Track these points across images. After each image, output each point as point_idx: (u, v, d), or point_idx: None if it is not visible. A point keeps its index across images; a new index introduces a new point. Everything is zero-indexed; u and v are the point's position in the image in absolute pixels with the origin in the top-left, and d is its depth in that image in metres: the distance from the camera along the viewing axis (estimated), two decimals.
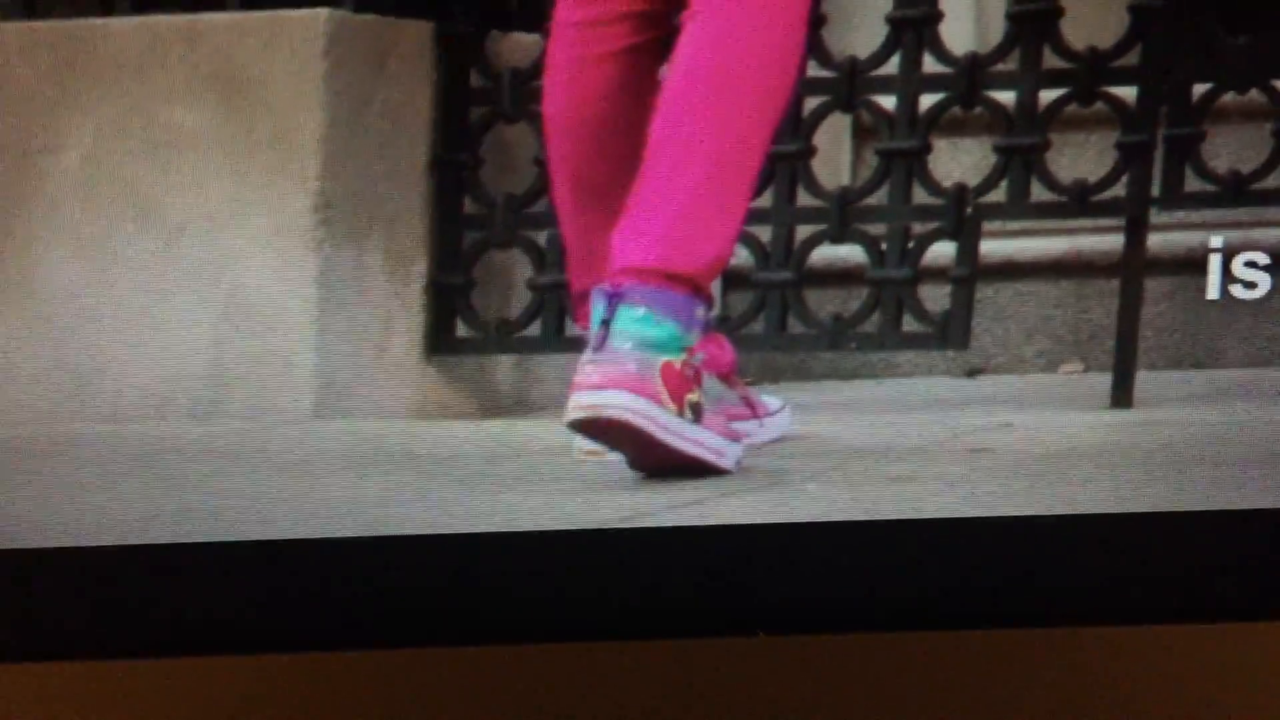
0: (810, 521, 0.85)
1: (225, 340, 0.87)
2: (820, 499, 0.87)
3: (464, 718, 0.86)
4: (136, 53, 0.86)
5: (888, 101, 0.95)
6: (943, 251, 0.96)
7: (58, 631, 0.84)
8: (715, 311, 0.93)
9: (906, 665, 0.86)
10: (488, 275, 0.93)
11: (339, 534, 0.85)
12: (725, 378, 0.93)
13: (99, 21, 0.86)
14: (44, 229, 0.86)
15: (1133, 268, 0.94)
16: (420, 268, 0.91)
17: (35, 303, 0.87)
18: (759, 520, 0.85)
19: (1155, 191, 0.95)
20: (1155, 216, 0.95)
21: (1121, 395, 0.95)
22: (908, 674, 0.86)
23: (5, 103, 0.84)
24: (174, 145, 0.86)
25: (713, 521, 0.85)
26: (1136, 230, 0.95)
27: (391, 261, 0.90)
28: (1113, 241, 0.95)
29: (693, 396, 0.87)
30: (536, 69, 0.93)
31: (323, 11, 0.88)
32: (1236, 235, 0.90)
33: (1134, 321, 0.94)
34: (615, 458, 0.88)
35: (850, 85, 0.95)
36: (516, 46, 0.93)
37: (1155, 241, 0.95)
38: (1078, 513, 0.85)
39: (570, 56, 0.91)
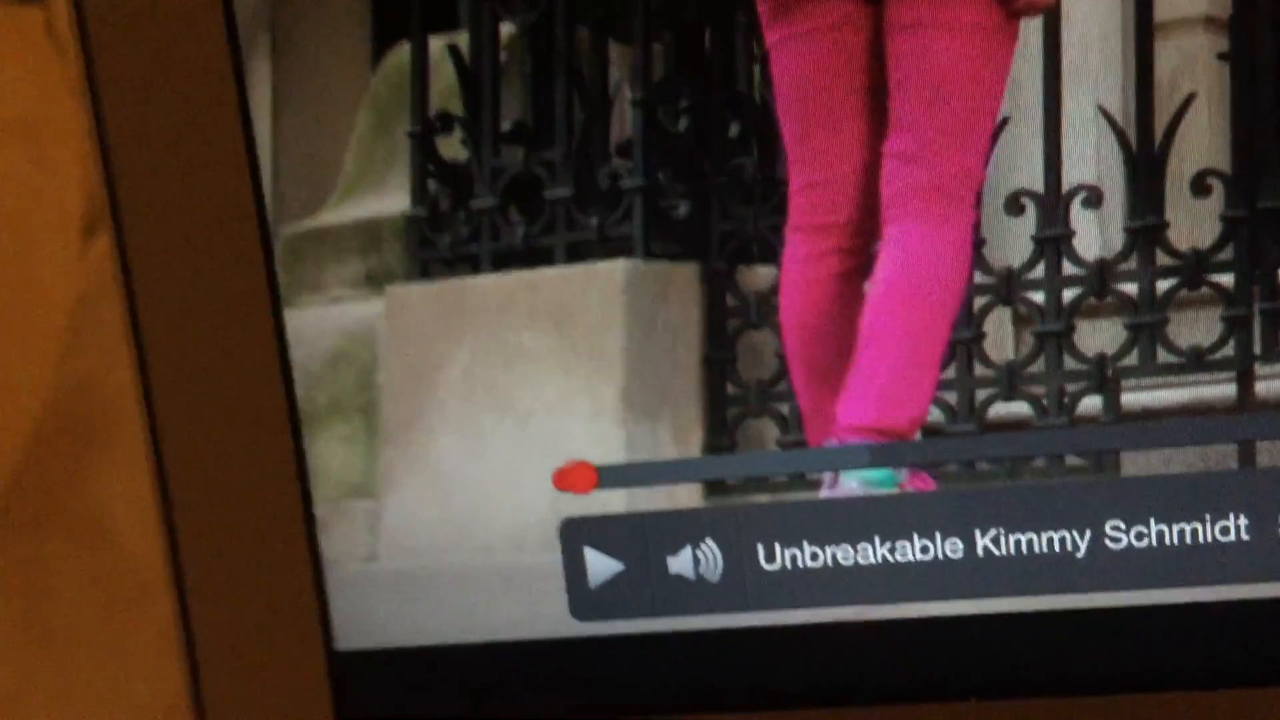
0: (1001, 612, 0.96)
1: (561, 494, 0.99)
2: (1012, 593, 0.95)
3: None
4: (496, 298, 1.03)
5: (1038, 297, 1.06)
6: (1091, 404, 1.05)
7: (457, 706, 0.99)
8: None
9: None
10: (746, 439, 1.06)
11: (661, 630, 0.98)
12: None
13: (469, 279, 1.04)
14: (436, 421, 1.02)
15: (1245, 409, 1.03)
16: (698, 437, 1.05)
17: (430, 472, 1.02)
18: (962, 612, 0.96)
19: (1257, 350, 1.03)
20: (1259, 369, 1.03)
21: None
22: None
23: (410, 337, 1.02)
24: (524, 359, 1.02)
25: (930, 614, 0.97)
26: (1245, 381, 1.04)
27: (677, 433, 1.04)
28: (1227, 390, 1.04)
29: None
30: (773, 290, 1.06)
31: (620, 261, 1.04)
32: None
33: (1251, 449, 0.99)
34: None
35: (1008, 286, 1.07)
36: (759, 276, 1.07)
37: (1261, 388, 1.03)
38: (1213, 601, 0.94)
39: (797, 281, 1.06)
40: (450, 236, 1.08)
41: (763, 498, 1.07)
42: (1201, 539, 1.00)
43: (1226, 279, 1.07)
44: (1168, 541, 1.00)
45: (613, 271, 1.06)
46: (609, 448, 1.05)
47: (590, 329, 1.05)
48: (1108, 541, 1.00)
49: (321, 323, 1.05)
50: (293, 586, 1.01)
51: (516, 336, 1.05)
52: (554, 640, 1.00)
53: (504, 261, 1.08)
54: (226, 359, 1.02)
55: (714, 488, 1.07)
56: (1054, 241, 1.09)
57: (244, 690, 1.02)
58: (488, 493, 1.05)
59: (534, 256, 1.08)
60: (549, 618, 1.00)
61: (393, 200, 1.07)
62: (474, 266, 1.07)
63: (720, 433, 1.08)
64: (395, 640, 1.01)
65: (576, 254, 1.07)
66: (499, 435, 1.05)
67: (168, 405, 1.02)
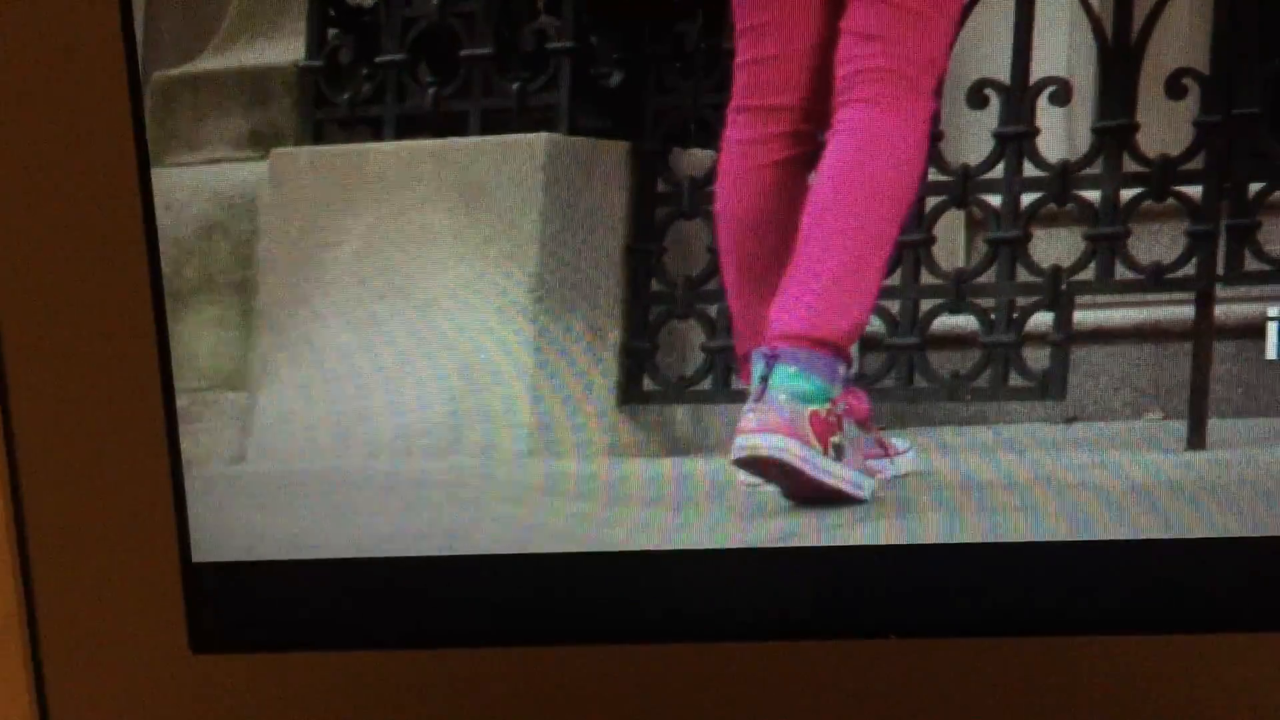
0: (933, 544, 0.91)
1: (460, 393, 0.93)
2: (941, 525, 0.93)
3: (636, 708, 0.94)
4: (397, 169, 0.94)
5: (995, 199, 1.00)
6: (1043, 320, 1.00)
7: (321, 626, 0.93)
8: (854, 369, 0.99)
9: (1020, 666, 0.91)
10: (669, 341, 0.99)
11: (549, 549, 0.92)
12: (862, 423, 0.98)
13: (369, 145, 0.95)
14: (323, 305, 0.93)
15: (1202, 333, 0.99)
16: (615, 335, 0.97)
17: (314, 363, 0.94)
18: (891, 542, 0.92)
19: (1220, 270, 0.99)
20: (1220, 291, 0.99)
21: (1196, 439, 0.99)
22: (1021, 674, 0.92)
23: (297, 209, 0.92)
24: (425, 240, 0.94)
25: (852, 542, 0.92)
26: (1205, 302, 0.99)
27: (592, 330, 0.97)
28: (1185, 312, 1.00)
29: (835, 439, 0.95)
30: (709, 177, 0.99)
31: (542, 135, 0.95)
32: None
33: (1205, 377, 0.99)
34: (772, 489, 0.94)
35: (964, 187, 1.00)
36: (693, 160, 0.99)
37: (1220, 311, 0.99)
38: (1158, 538, 0.91)
39: (737, 167, 0.98)
40: (349, 94, 0.98)
41: (682, 409, 1.01)
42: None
43: (1194, 191, 1.01)
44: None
45: (533, 145, 0.98)
46: (516, 345, 0.97)
47: (503, 209, 0.97)
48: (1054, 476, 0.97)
49: (195, 186, 0.95)
50: (146, 489, 0.93)
51: (419, 213, 0.97)
52: (442, 559, 0.93)
53: (410, 127, 0.98)
54: (81, 224, 0.91)
55: (630, 395, 1.01)
56: (1016, 139, 1.02)
57: (85, 607, 0.94)
58: (377, 390, 0.97)
59: (444, 123, 0.98)
60: (438, 533, 0.93)
61: (285, 48, 0.97)
62: (375, 131, 0.98)
63: (640, 333, 1.01)
64: (262, 553, 0.93)
65: (493, 123, 0.98)
66: (393, 325, 0.96)
67: (7, 277, 0.90)
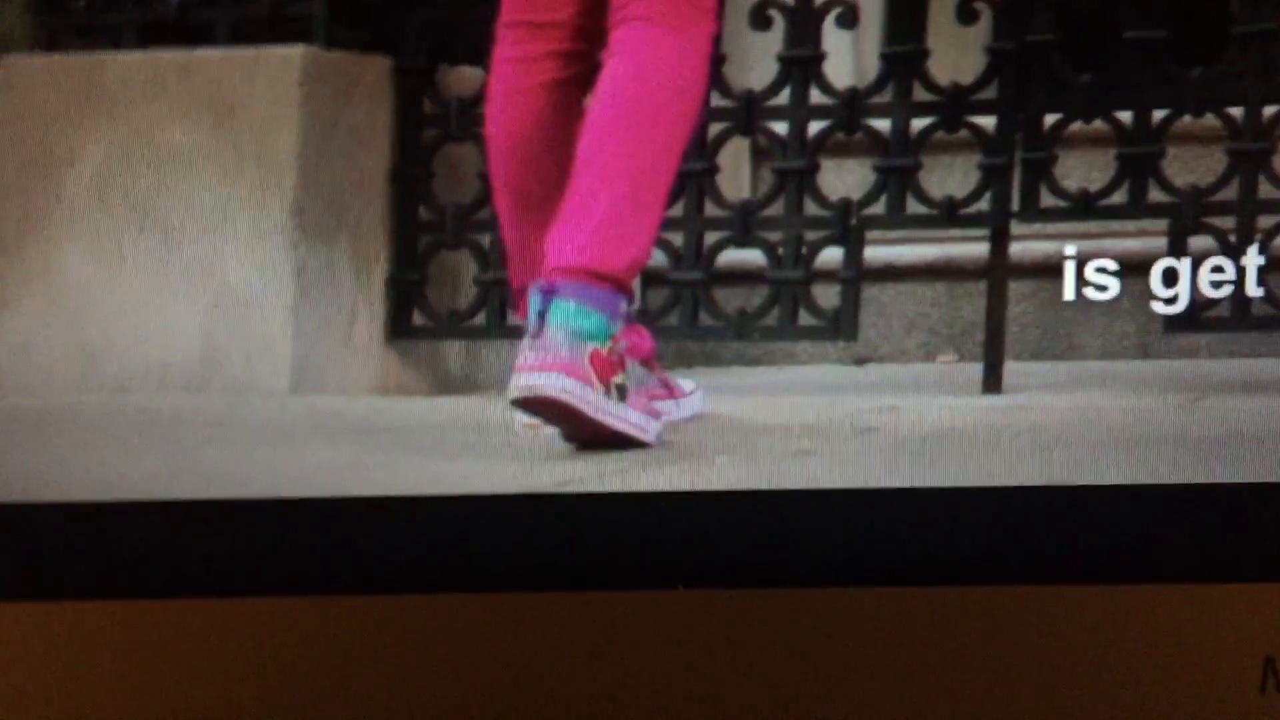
0: (720, 490, 0.95)
1: (214, 326, 0.99)
2: (729, 470, 0.98)
3: (409, 661, 0.94)
4: (141, 82, 0.99)
5: (781, 127, 1.08)
6: (832, 256, 1.08)
7: (63, 574, 0.93)
8: (636, 305, 1.05)
9: (804, 618, 0.95)
10: (439, 272, 1.05)
11: (308, 495, 0.95)
12: (646, 363, 1.05)
13: (109, 55, 0.99)
14: (62, 230, 0.98)
15: (997, 272, 1.07)
16: (382, 266, 1.03)
17: (53, 291, 0.98)
18: (676, 488, 0.96)
19: (1015, 206, 1.07)
20: (1016, 228, 1.07)
21: (991, 382, 1.07)
22: (804, 626, 0.95)
23: (31, 122, 0.96)
24: (172, 160, 0.99)
25: (636, 489, 0.96)
26: (999, 239, 1.07)
27: (357, 260, 1.02)
28: (979, 249, 1.08)
29: (618, 379, 0.99)
30: (479, 97, 1.05)
31: (299, 48, 1.01)
32: (1088, 244, 1.00)
33: (1000, 318, 1.06)
34: (551, 431, 0.99)
35: (748, 113, 1.08)
36: (462, 78, 1.06)
37: (1016, 249, 1.07)
38: (953, 486, 0.94)
39: (508, 88, 1.04)
40: None
41: (455, 345, 1.07)
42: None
43: (988, 122, 1.10)
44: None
45: (288, 59, 1.03)
46: (274, 274, 1.02)
47: (257, 128, 1.03)
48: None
49: None
50: None
51: (165, 132, 1.02)
52: (195, 503, 0.96)
53: (153, 36, 1.03)
54: None
55: (399, 329, 1.08)
56: (802, 63, 1.11)
57: None
58: (122, 321, 1.02)
59: (191, 33, 1.04)
60: (190, 475, 0.97)
61: None
62: (114, 39, 1.02)
63: (408, 264, 1.07)
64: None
65: (244, 34, 1.04)
66: (139, 252, 1.01)
67: None
